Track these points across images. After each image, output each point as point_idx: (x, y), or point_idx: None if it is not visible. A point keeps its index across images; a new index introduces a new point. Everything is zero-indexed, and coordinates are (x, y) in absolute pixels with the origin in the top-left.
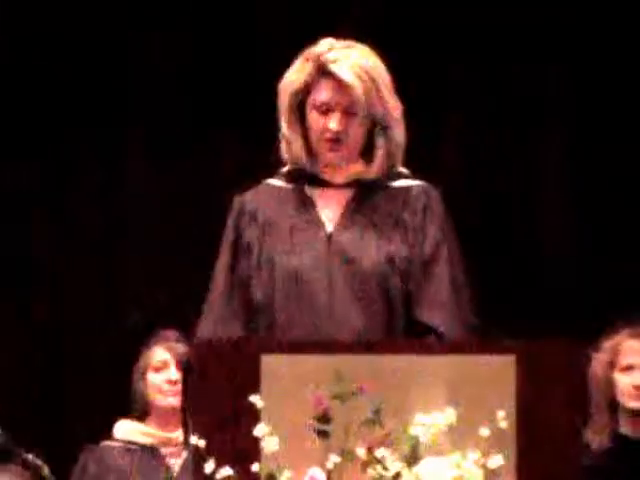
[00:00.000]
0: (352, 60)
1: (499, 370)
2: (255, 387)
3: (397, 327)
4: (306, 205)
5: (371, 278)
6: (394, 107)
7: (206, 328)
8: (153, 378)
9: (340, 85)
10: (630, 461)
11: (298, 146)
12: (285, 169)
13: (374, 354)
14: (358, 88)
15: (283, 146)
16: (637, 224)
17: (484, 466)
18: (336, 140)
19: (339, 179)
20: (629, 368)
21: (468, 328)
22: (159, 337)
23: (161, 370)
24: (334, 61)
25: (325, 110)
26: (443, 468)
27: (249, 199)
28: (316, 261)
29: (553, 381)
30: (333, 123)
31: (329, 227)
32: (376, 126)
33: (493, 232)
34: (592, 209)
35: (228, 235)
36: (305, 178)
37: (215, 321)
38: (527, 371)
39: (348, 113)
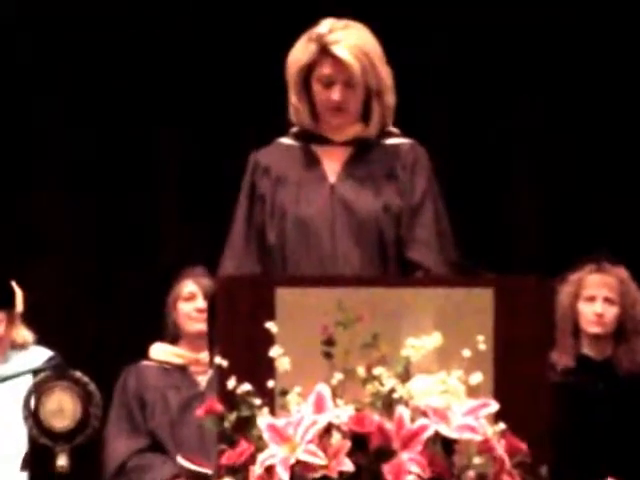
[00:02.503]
0: (349, 41)
1: (479, 300)
2: (270, 315)
3: (390, 264)
4: (312, 161)
5: (368, 223)
6: (386, 75)
7: (228, 265)
8: (183, 307)
9: (340, 63)
10: (591, 378)
11: (305, 112)
12: (294, 130)
13: (371, 287)
14: (355, 65)
15: (292, 111)
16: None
17: (466, 382)
18: (339, 109)
19: (340, 138)
20: (591, 299)
21: (451, 265)
22: (188, 272)
23: (190, 300)
24: (334, 42)
25: (328, 83)
26: (431, 384)
27: (263, 155)
28: (321, 209)
29: (525, 309)
30: (335, 95)
31: (332, 179)
32: (371, 93)
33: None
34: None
35: (245, 186)
36: (311, 137)
37: (235, 259)
38: (503, 301)
39: (347, 85)
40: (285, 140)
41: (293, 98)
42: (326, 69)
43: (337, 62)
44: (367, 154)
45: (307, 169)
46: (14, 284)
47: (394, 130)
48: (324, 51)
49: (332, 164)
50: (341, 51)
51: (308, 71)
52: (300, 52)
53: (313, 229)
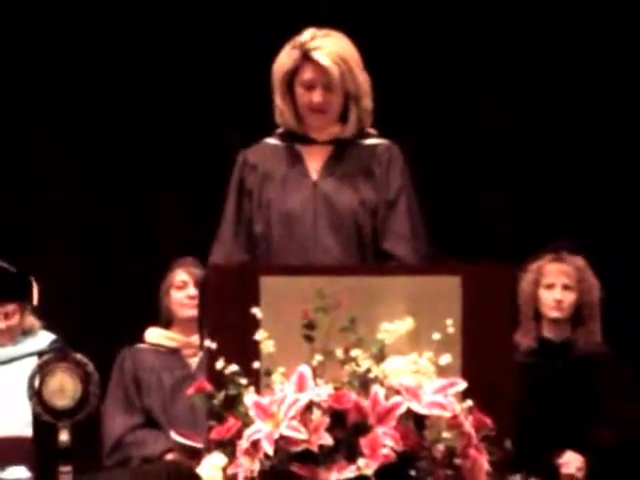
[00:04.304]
0: (329, 48)
1: (448, 288)
2: (256, 302)
3: (367, 255)
4: (295, 159)
5: (347, 217)
6: (363, 81)
7: (217, 255)
8: (175, 294)
9: (320, 68)
10: (550, 358)
11: (289, 114)
12: (279, 130)
13: (349, 276)
14: (334, 71)
15: (277, 113)
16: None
17: (436, 363)
18: (319, 110)
19: (321, 137)
20: (550, 286)
21: (423, 255)
22: (180, 262)
23: (182, 288)
24: (315, 49)
25: (309, 87)
26: (404, 365)
27: (251, 154)
28: (304, 203)
29: (490, 295)
30: (316, 97)
31: (314, 176)
32: (350, 97)
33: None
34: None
35: (234, 181)
36: (295, 137)
37: (224, 249)
38: (470, 288)
39: (327, 89)
40: (271, 140)
41: (278, 101)
42: (308, 74)
43: (318, 67)
44: (347, 153)
45: (291, 166)
46: (32, 279)
47: (372, 131)
48: (306, 57)
49: (314, 162)
50: (321, 57)
51: (292, 76)
52: (284, 58)
53: (296, 222)
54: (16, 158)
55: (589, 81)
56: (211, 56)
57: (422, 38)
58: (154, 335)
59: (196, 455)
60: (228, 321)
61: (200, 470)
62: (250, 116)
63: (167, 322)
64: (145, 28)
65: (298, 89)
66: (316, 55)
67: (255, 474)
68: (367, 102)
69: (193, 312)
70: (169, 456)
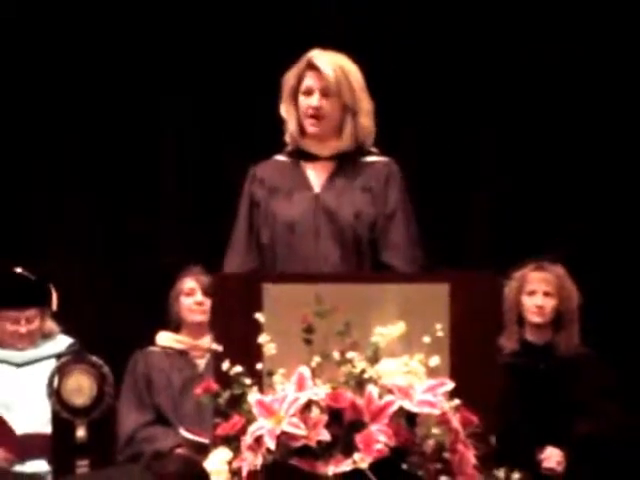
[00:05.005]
0: (331, 57)
1: (437, 294)
2: (259, 307)
3: (365, 263)
4: (300, 174)
5: (346, 228)
6: (363, 100)
7: (232, 262)
8: (184, 301)
9: (319, 73)
10: (533, 360)
11: (292, 124)
12: (287, 149)
13: (345, 283)
14: (331, 75)
15: (286, 132)
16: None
17: (426, 365)
18: (315, 116)
19: (323, 153)
20: (532, 292)
21: (418, 265)
22: (188, 270)
23: (190, 295)
24: (318, 57)
25: (308, 92)
26: (396, 366)
27: (260, 168)
28: (306, 215)
29: (476, 301)
30: (313, 101)
31: (316, 190)
32: (347, 108)
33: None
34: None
35: (245, 194)
36: (300, 154)
37: (238, 258)
38: (457, 294)
39: (324, 94)
40: (279, 157)
41: (283, 112)
42: (308, 80)
43: (318, 73)
44: (347, 169)
45: (295, 181)
46: (51, 286)
47: (373, 150)
48: (309, 65)
49: (317, 177)
50: (322, 63)
51: (297, 86)
52: (291, 72)
53: (299, 232)
54: (16, 158)
55: (589, 81)
56: (210, 56)
57: (422, 38)
58: (164, 338)
59: (203, 450)
60: (233, 325)
61: (207, 464)
62: (251, 117)
63: (176, 326)
64: (144, 28)
65: (300, 97)
66: (317, 62)
67: (258, 467)
68: (366, 121)
69: (201, 317)
70: (178, 451)
